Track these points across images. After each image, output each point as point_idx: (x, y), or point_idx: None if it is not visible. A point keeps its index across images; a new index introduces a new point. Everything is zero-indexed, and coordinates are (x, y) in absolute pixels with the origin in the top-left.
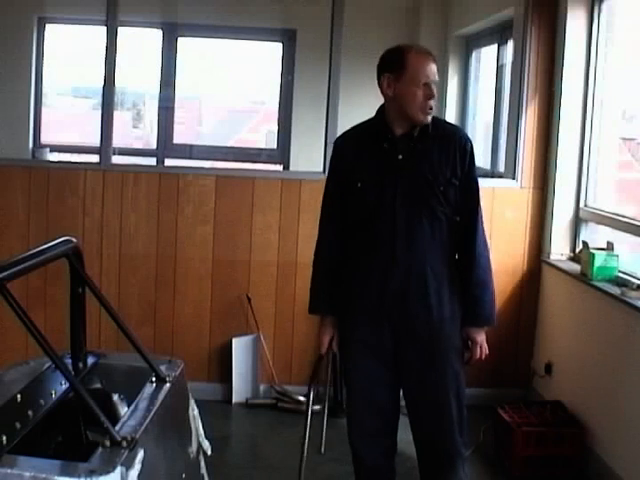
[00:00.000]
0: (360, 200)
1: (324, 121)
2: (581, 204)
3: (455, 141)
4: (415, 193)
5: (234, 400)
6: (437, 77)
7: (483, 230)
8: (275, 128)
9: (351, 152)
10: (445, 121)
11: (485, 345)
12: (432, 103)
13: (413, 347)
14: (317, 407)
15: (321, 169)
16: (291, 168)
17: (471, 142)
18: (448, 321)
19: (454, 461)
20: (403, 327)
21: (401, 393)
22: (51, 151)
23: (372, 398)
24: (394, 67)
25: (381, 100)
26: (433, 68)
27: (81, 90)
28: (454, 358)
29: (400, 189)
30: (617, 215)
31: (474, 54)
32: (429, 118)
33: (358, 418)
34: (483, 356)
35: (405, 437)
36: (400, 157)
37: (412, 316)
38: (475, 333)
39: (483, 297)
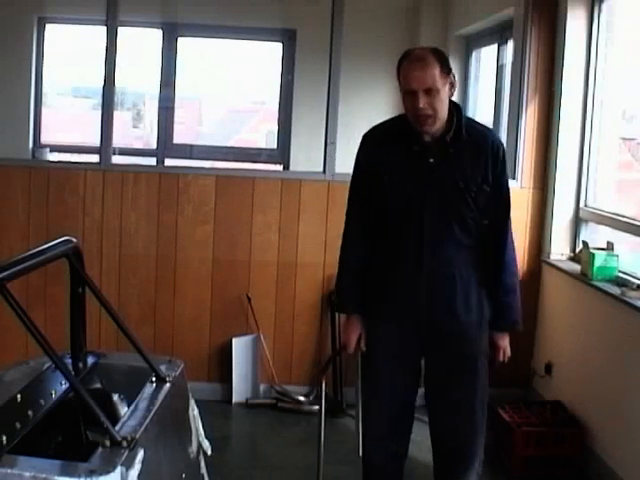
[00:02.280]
0: (387, 202)
1: (324, 121)
2: (581, 204)
3: (487, 146)
4: (445, 199)
5: (234, 400)
6: (430, 83)
7: (512, 235)
8: (275, 128)
9: (378, 149)
10: (477, 123)
11: (508, 349)
12: (426, 112)
13: (441, 351)
14: (317, 407)
15: (321, 169)
16: (291, 168)
17: (503, 146)
18: (476, 325)
19: (473, 462)
20: (431, 331)
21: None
22: (51, 151)
23: (390, 402)
24: (397, 75)
25: (381, 100)
26: (419, 75)
27: (81, 90)
28: (481, 362)
29: (430, 194)
30: (617, 215)
31: (474, 54)
32: (428, 127)
33: (373, 421)
34: (506, 359)
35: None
36: (431, 161)
37: (439, 320)
38: (500, 337)
39: (512, 303)
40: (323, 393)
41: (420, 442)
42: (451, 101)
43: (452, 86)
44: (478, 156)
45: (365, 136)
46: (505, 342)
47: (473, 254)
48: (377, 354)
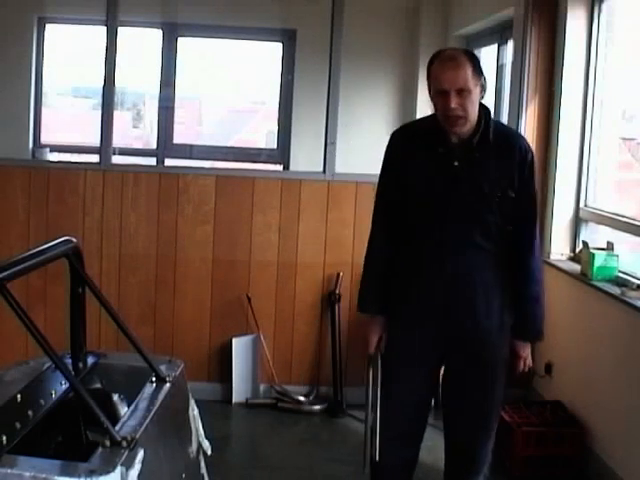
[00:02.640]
0: (411, 203)
1: (324, 121)
2: (581, 204)
3: (515, 151)
4: (468, 203)
5: (234, 400)
6: (462, 84)
7: (538, 242)
8: (275, 128)
9: (404, 149)
10: (506, 127)
11: (530, 359)
12: (457, 113)
13: (459, 356)
14: (317, 407)
15: (321, 169)
16: (291, 168)
17: (532, 152)
18: (496, 332)
19: (482, 466)
20: (449, 336)
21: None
22: (51, 151)
23: (405, 404)
24: (428, 75)
25: (381, 100)
26: (451, 75)
27: (81, 90)
28: (500, 370)
29: (453, 198)
30: (617, 215)
31: None
32: (459, 128)
33: (387, 421)
34: (527, 369)
35: None
36: (456, 164)
37: (458, 326)
38: (521, 347)
39: (535, 312)
40: (371, 384)
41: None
42: (480, 104)
43: (483, 89)
44: (504, 161)
45: (392, 135)
46: (527, 351)
47: (496, 260)
48: (396, 356)
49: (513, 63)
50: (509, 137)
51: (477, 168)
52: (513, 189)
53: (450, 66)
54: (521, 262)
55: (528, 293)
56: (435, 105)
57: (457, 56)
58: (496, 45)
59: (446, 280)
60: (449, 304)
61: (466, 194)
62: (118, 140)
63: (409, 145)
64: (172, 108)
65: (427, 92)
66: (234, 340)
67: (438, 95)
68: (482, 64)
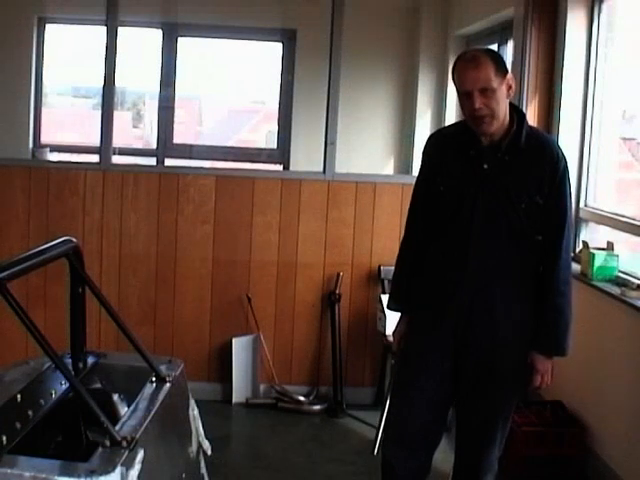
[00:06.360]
0: (440, 205)
1: (324, 121)
2: (581, 204)
3: (546, 157)
4: (494, 207)
5: (234, 400)
6: (484, 83)
7: (568, 253)
8: (275, 128)
9: (438, 151)
10: (540, 133)
11: (549, 375)
12: (482, 112)
13: (473, 364)
14: (317, 407)
15: (321, 169)
16: (291, 168)
17: (565, 160)
18: (515, 343)
19: (485, 476)
20: (465, 343)
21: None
22: (51, 151)
23: (416, 406)
24: (452, 79)
25: (381, 100)
26: (473, 76)
27: (81, 90)
28: (513, 381)
29: (480, 201)
30: (617, 215)
31: None
32: (486, 128)
33: (398, 426)
34: (544, 386)
35: None
36: (485, 167)
37: (475, 334)
38: (539, 360)
39: (555, 325)
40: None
41: None
42: (514, 107)
43: (510, 88)
44: (535, 166)
45: (429, 138)
46: (544, 366)
47: (523, 269)
48: (410, 356)
49: (513, 63)
50: (542, 143)
51: (505, 171)
52: (541, 196)
53: (471, 66)
54: (546, 273)
55: (550, 305)
56: (462, 107)
57: (478, 56)
58: (496, 45)
59: (466, 284)
60: (467, 309)
61: (493, 197)
62: (118, 140)
63: (443, 147)
64: (172, 108)
65: (427, 94)
66: (234, 340)
67: (463, 97)
68: None
